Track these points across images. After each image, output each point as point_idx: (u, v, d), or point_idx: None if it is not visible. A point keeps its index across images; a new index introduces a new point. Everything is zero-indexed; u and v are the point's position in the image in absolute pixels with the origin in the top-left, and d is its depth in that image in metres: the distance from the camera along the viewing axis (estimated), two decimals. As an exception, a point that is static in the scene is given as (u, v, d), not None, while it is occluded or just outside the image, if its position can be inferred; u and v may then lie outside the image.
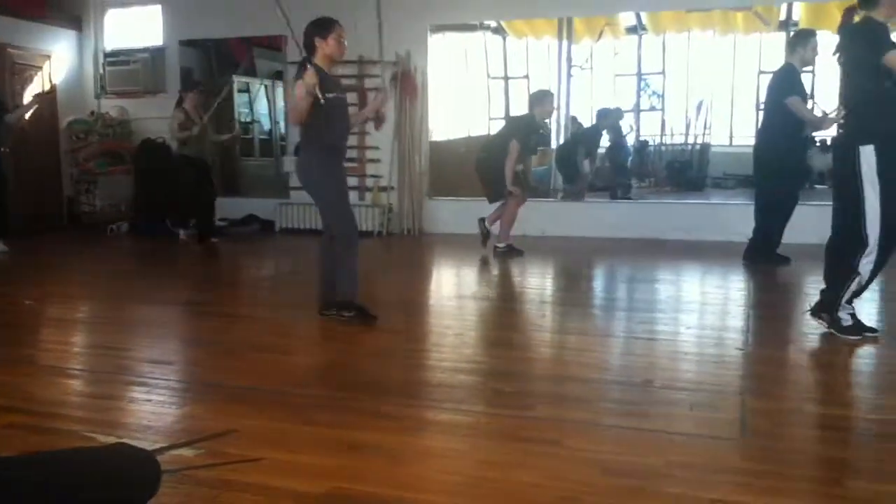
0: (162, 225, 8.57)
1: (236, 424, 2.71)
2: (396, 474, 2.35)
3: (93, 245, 8.07)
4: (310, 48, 4.21)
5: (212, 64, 10.04)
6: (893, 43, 3.55)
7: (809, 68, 6.06)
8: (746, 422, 2.77)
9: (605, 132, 10.05)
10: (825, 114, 5.67)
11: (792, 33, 6.10)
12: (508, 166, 6.46)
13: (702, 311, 4.87)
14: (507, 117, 8.00)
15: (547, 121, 6.93)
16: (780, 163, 5.80)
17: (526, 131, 6.63)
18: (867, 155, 3.58)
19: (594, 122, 10.21)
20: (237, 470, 2.32)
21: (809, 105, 5.93)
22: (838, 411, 2.94)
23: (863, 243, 3.64)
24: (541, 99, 6.76)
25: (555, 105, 6.96)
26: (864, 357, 3.74)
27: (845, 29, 3.86)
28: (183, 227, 8.30)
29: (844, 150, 3.73)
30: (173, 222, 8.54)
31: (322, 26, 4.22)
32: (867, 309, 4.28)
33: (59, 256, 7.10)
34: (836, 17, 10.88)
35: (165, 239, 8.31)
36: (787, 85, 5.71)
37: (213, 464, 2.37)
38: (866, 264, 3.66)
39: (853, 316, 3.82)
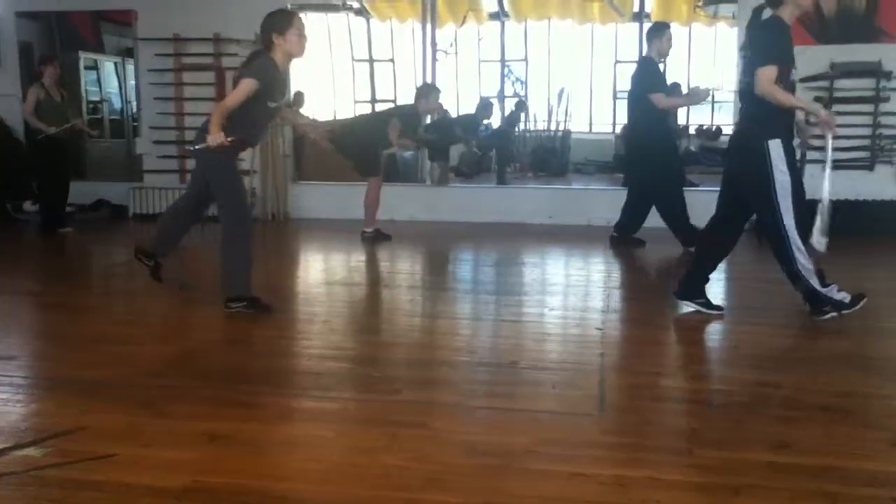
0: (2, 210, 7.95)
1: (86, 420, 2.56)
2: (259, 464, 2.29)
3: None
4: (267, 43, 3.90)
5: (54, 38, 9.36)
6: (790, 42, 3.66)
7: (663, 59, 6.26)
8: (605, 398, 2.88)
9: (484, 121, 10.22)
10: (693, 89, 5.92)
11: (649, 26, 6.32)
12: (392, 137, 6.40)
13: (565, 293, 5.03)
14: (390, 108, 7.96)
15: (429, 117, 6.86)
16: (649, 150, 5.95)
17: (406, 120, 6.59)
18: (775, 148, 3.71)
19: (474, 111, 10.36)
20: (88, 468, 2.20)
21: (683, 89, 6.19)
22: (689, 384, 3.11)
23: (782, 234, 3.70)
24: (426, 93, 6.74)
25: (440, 103, 6.93)
26: (712, 333, 3.98)
27: (752, 26, 3.95)
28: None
29: (747, 147, 3.79)
30: (15, 207, 7.94)
31: (281, 20, 3.90)
32: (714, 289, 4.54)
33: None
34: (683, 10, 11.54)
35: (6, 225, 7.72)
36: (647, 77, 5.91)
37: (61, 463, 2.23)
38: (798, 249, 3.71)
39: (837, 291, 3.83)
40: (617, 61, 12.46)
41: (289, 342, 3.76)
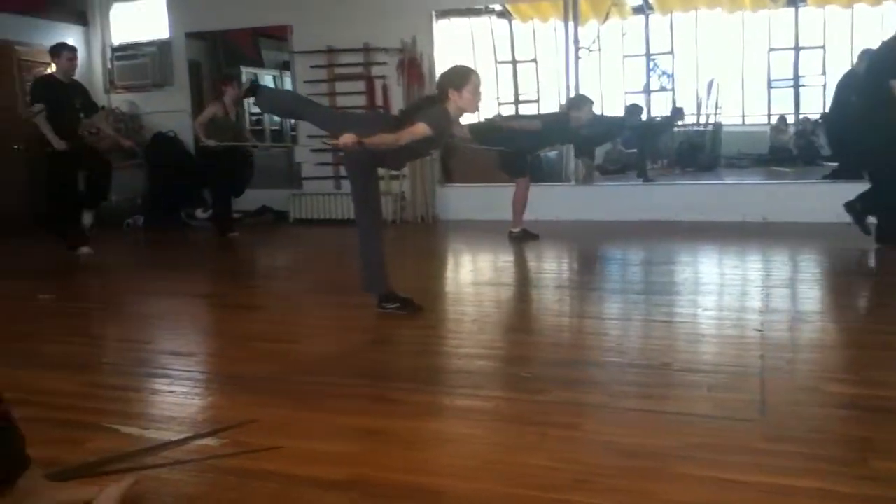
0: (177, 218, 8.63)
1: (256, 414, 2.72)
2: (413, 459, 2.36)
3: (109, 239, 8.11)
4: (442, 95, 3.99)
5: (219, 56, 10.03)
6: None
7: None
8: (766, 402, 2.76)
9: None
10: None
11: None
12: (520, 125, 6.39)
13: (719, 292, 4.85)
14: (543, 114, 7.99)
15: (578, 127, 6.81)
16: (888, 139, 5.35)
17: (557, 128, 6.59)
18: None
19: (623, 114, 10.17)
20: (259, 458, 2.34)
21: None
22: (858, 390, 2.92)
23: None
24: (579, 105, 6.72)
25: (592, 113, 6.87)
26: (882, 335, 3.72)
27: None
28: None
29: None
30: (188, 214, 8.60)
31: (459, 77, 3.97)
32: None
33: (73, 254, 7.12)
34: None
35: (180, 232, 8.37)
36: (894, 60, 5.32)
37: (235, 452, 2.39)
38: None
39: None
40: (771, 49, 11.85)
41: (439, 341, 3.84)
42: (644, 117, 10.80)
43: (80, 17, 9.61)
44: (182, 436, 2.54)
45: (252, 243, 7.75)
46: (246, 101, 8.95)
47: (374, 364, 3.48)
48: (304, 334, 4.08)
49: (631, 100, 11.38)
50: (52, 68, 6.82)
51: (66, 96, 6.56)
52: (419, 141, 3.88)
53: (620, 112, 10.06)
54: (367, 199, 4.25)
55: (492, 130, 6.38)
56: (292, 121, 9.38)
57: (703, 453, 2.31)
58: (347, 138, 3.72)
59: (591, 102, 6.83)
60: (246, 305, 4.88)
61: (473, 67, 4.11)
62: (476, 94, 3.98)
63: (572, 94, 7.85)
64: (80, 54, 9.40)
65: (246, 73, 10.14)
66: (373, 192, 4.28)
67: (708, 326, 3.92)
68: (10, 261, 6.86)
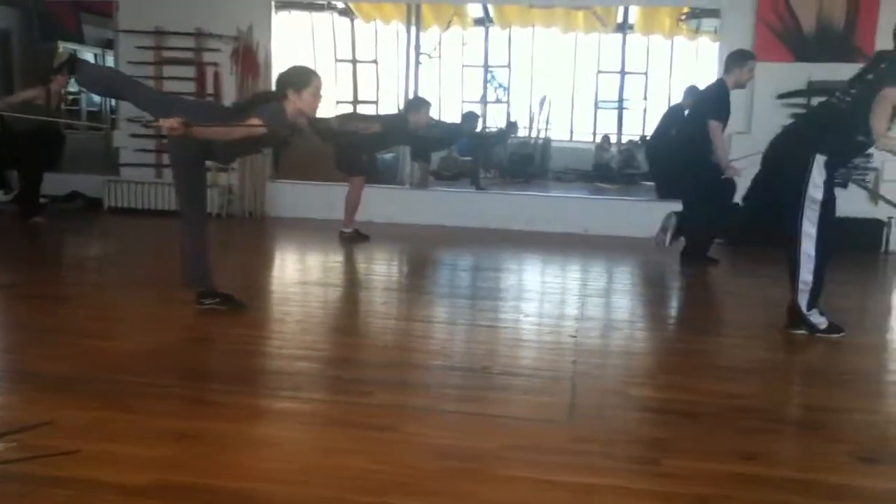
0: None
1: (52, 415, 2.52)
2: (225, 463, 2.27)
3: None
4: (280, 94, 3.83)
5: (34, 27, 9.26)
6: None
7: (740, 87, 5.84)
8: (575, 405, 2.89)
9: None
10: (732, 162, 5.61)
11: (731, 52, 5.92)
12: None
13: (540, 299, 5.04)
14: (381, 115, 7.98)
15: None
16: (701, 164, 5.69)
17: (395, 130, 6.58)
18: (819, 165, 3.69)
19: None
20: (52, 463, 2.17)
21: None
22: (659, 394, 3.13)
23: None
24: (418, 107, 6.74)
25: (430, 117, 6.93)
26: (685, 343, 4.01)
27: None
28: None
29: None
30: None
31: (301, 78, 3.85)
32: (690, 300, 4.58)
33: None
34: (666, 23, 11.65)
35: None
36: (715, 101, 5.65)
37: (25, 458, 2.20)
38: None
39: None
40: (599, 71, 12.56)
41: (261, 341, 3.73)
42: (480, 126, 11.10)
43: None
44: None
45: (61, 231, 7.19)
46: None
47: (191, 363, 3.33)
48: (116, 330, 3.84)
49: (468, 108, 11.66)
50: None
51: None
52: (252, 137, 3.75)
53: (458, 119, 10.28)
54: (192, 191, 4.06)
55: (330, 130, 6.30)
56: (113, 102, 8.82)
57: (518, 454, 2.39)
58: (174, 121, 3.52)
59: (429, 106, 6.92)
60: (52, 297, 4.52)
61: (314, 68, 4.04)
62: (316, 97, 3.91)
63: (409, 99, 7.91)
64: None
65: (64, 48, 9.44)
66: (198, 183, 4.09)
67: (528, 332, 4.06)
68: None
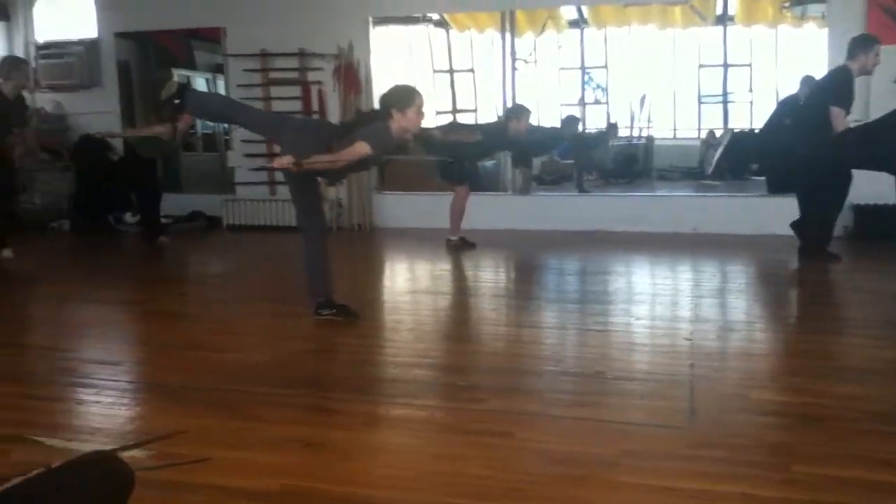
0: (105, 222, 8.38)
1: (185, 424, 2.66)
2: (348, 470, 2.34)
3: (34, 244, 7.81)
4: (384, 114, 3.93)
5: (150, 57, 9.80)
6: None
7: (867, 74, 5.61)
8: (694, 409, 2.83)
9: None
10: None
11: (854, 37, 5.64)
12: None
13: (652, 302, 4.95)
14: (482, 124, 8.06)
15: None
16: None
17: (494, 137, 6.63)
18: None
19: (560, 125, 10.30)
20: (188, 470, 2.28)
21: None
22: (782, 397, 3.02)
23: None
24: (518, 114, 6.77)
25: (530, 123, 6.96)
26: (806, 343, 3.85)
27: None
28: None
29: None
30: (116, 219, 8.36)
31: (403, 97, 3.94)
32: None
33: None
34: (769, 11, 11.23)
35: (108, 236, 8.12)
36: (839, 88, 5.45)
37: (163, 465, 2.32)
38: None
39: None
40: (700, 65, 12.21)
41: (375, 350, 3.82)
42: (580, 129, 10.98)
43: (2, 12, 9.25)
44: (108, 447, 2.45)
45: (183, 249, 7.57)
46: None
47: (310, 373, 3.44)
48: (238, 343, 4.01)
49: (567, 112, 11.54)
50: None
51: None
52: (358, 159, 3.86)
53: (557, 123, 10.19)
54: (309, 206, 4.21)
55: (434, 142, 6.39)
56: (225, 125, 9.23)
57: (634, 460, 2.36)
58: (284, 161, 3.67)
59: (529, 112, 6.91)
60: (177, 313, 4.77)
61: (413, 83, 4.11)
62: (419, 114, 3.99)
63: (509, 105, 7.92)
64: (1, 51, 9.10)
65: (178, 75, 9.93)
66: (313, 198, 4.24)
67: (640, 335, 4.00)
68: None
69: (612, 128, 10.91)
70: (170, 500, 2.13)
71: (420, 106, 3.98)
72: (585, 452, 2.43)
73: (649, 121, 12.13)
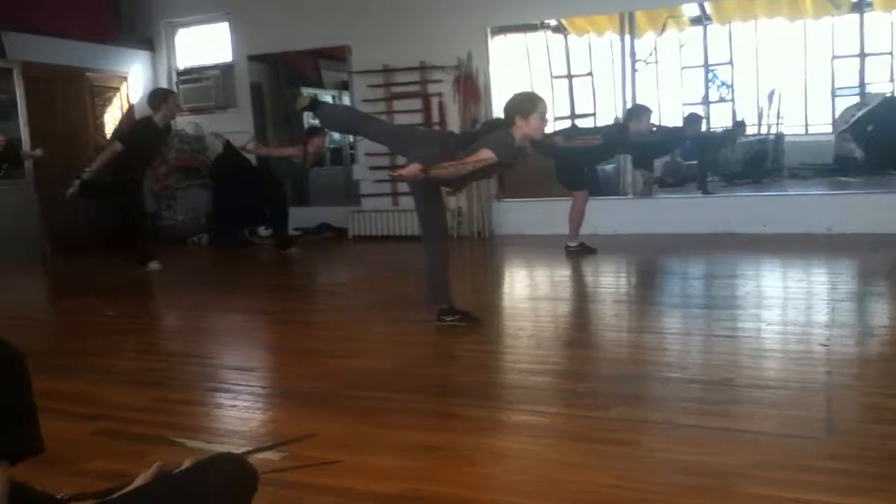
0: (240, 235, 8.85)
1: (315, 428, 2.76)
2: (471, 475, 2.36)
3: (176, 257, 8.35)
4: (508, 121, 4.00)
5: (279, 77, 10.27)
6: None
7: None
8: (832, 420, 2.69)
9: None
10: None
11: None
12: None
13: (783, 306, 4.74)
14: (601, 127, 7.99)
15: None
16: None
17: (614, 139, 6.56)
18: None
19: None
20: (318, 472, 2.37)
21: None
22: (930, 407, 2.83)
23: None
24: (639, 115, 6.68)
25: (651, 123, 6.86)
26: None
27: None
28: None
29: None
30: (251, 232, 8.82)
31: (526, 104, 3.99)
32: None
33: (142, 269, 7.34)
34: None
35: (243, 249, 8.57)
36: None
37: (295, 466, 2.43)
38: None
39: None
40: (835, 56, 11.58)
41: (497, 356, 3.84)
42: (703, 127, 10.64)
43: (147, 43, 9.95)
44: (243, 449, 2.59)
45: (312, 260, 7.88)
46: (304, 119, 9.22)
47: (433, 379, 3.50)
48: (364, 349, 4.13)
49: (689, 111, 11.21)
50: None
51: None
52: (483, 166, 3.91)
53: (679, 124, 9.92)
54: (432, 214, 4.29)
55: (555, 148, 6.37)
56: (351, 138, 9.54)
57: (768, 472, 2.27)
58: (412, 169, 3.76)
59: (650, 112, 6.79)
60: (307, 321, 4.97)
61: (535, 91, 4.12)
62: (542, 121, 4.02)
63: (629, 107, 7.79)
64: (147, 79, 9.78)
65: (306, 92, 10.34)
66: (436, 208, 4.32)
67: (772, 341, 3.83)
68: (79, 279, 7.12)
69: (740, 126, 10.49)
70: (300, 501, 2.21)
71: (543, 112, 4.01)
72: (715, 462, 2.35)
73: (779, 117, 11.61)
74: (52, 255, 8.20)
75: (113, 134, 8.91)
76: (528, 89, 4.25)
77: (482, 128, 4.22)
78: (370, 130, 4.53)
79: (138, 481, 1.54)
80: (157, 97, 6.89)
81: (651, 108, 6.94)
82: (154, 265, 6.99)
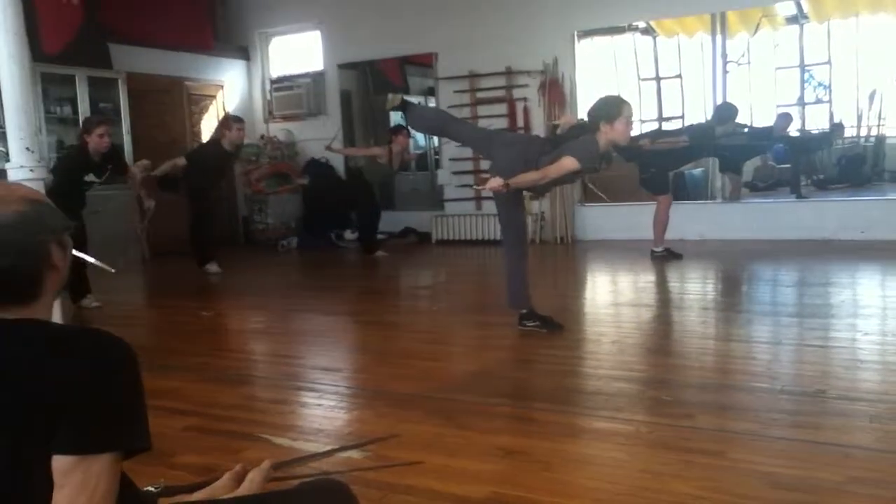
0: (328, 239, 9.06)
1: (398, 429, 2.81)
2: (553, 481, 2.36)
3: (266, 260, 8.62)
4: (594, 127, 3.98)
5: (368, 84, 10.46)
6: None
7: None
8: (933, 435, 2.57)
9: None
10: None
11: None
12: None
13: (882, 315, 4.53)
14: (686, 126, 7.87)
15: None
16: None
17: (699, 140, 6.47)
18: None
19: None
20: (400, 472, 2.41)
21: None
22: None
23: None
24: (725, 117, 6.57)
25: (738, 123, 6.74)
26: None
27: None
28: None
29: None
30: (338, 236, 9.02)
31: (612, 109, 3.94)
32: None
33: (236, 272, 7.62)
34: None
35: (331, 252, 8.77)
36: None
37: (378, 466, 2.48)
38: None
39: None
40: (943, 54, 10.99)
41: (578, 361, 3.82)
42: (792, 126, 10.27)
43: (243, 52, 10.31)
44: (328, 448, 2.66)
45: (396, 263, 7.99)
46: (391, 124, 9.37)
47: (515, 383, 3.51)
48: (447, 352, 4.18)
49: (781, 111, 10.85)
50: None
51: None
52: (566, 173, 3.90)
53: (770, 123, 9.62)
54: (512, 220, 4.30)
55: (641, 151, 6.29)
56: (436, 143, 9.63)
57: (866, 488, 2.18)
58: (495, 185, 3.80)
59: (737, 111, 6.64)
60: (391, 323, 5.05)
61: (621, 95, 4.08)
62: (628, 125, 3.95)
63: (716, 107, 7.59)
64: (242, 87, 10.13)
65: (394, 95, 10.51)
66: (518, 213, 4.34)
67: (868, 352, 3.67)
68: (175, 280, 7.43)
69: (837, 128, 10.09)
70: (383, 500, 2.25)
71: (629, 117, 3.95)
72: (807, 476, 2.28)
73: (880, 118, 11.09)
74: (151, 258, 8.57)
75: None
76: (614, 93, 4.17)
77: (568, 133, 4.19)
78: (456, 131, 4.57)
79: (225, 479, 1.61)
80: (222, 124, 7.26)
81: (738, 107, 6.76)
82: (213, 267, 7.26)
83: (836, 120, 11.00)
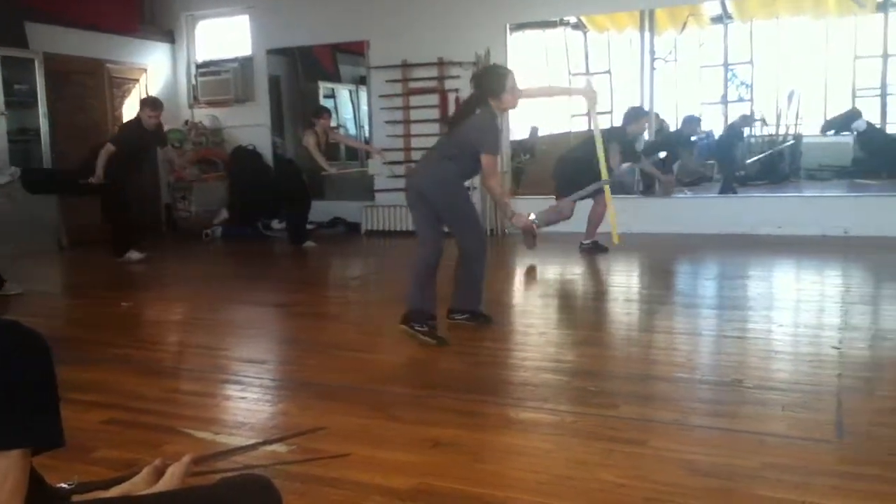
0: (254, 228, 8.88)
1: (325, 421, 2.79)
2: (480, 471, 2.37)
3: (190, 249, 8.41)
4: (483, 99, 3.95)
5: (298, 71, 10.29)
6: None
7: None
8: (843, 423, 2.68)
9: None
10: None
11: None
12: (613, 162, 6.38)
13: (796, 308, 4.71)
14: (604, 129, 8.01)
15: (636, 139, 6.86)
16: None
17: (616, 141, 6.57)
18: None
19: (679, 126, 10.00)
20: (326, 465, 2.39)
21: None
22: (943, 412, 2.81)
23: None
24: (636, 117, 6.71)
25: (647, 125, 6.90)
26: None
27: None
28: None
29: None
30: (265, 225, 8.85)
31: (494, 84, 3.92)
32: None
33: (157, 261, 7.41)
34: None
35: (258, 242, 8.60)
36: None
37: (303, 459, 2.45)
38: None
39: None
40: (856, 57, 11.46)
41: (507, 353, 3.86)
42: (702, 129, 10.60)
43: (168, 36, 10.01)
44: (251, 441, 2.61)
45: (325, 254, 7.91)
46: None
47: (444, 374, 3.51)
48: (376, 344, 4.15)
49: (707, 110, 11.16)
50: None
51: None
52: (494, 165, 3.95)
53: (702, 121, 9.89)
54: (469, 219, 4.18)
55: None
56: (367, 132, 9.54)
57: (779, 474, 2.26)
58: (527, 224, 4.37)
59: (647, 115, 6.80)
60: (320, 314, 4.99)
61: (504, 66, 4.07)
62: (514, 94, 3.95)
63: (646, 106, 7.76)
64: (167, 71, 9.84)
65: (323, 87, 10.37)
66: (471, 210, 4.27)
67: (783, 343, 3.81)
68: (93, 271, 7.18)
69: (745, 119, 10.35)
70: (309, 493, 2.22)
71: (513, 87, 3.94)
72: (724, 464, 2.35)
73: (798, 117, 11.50)
74: (69, 247, 8.27)
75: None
76: (495, 64, 4.14)
77: (459, 112, 4.15)
78: None
79: (143, 474, 1.56)
80: (140, 104, 7.36)
81: (647, 110, 6.95)
82: (134, 255, 7.15)
83: (757, 116, 11.36)
